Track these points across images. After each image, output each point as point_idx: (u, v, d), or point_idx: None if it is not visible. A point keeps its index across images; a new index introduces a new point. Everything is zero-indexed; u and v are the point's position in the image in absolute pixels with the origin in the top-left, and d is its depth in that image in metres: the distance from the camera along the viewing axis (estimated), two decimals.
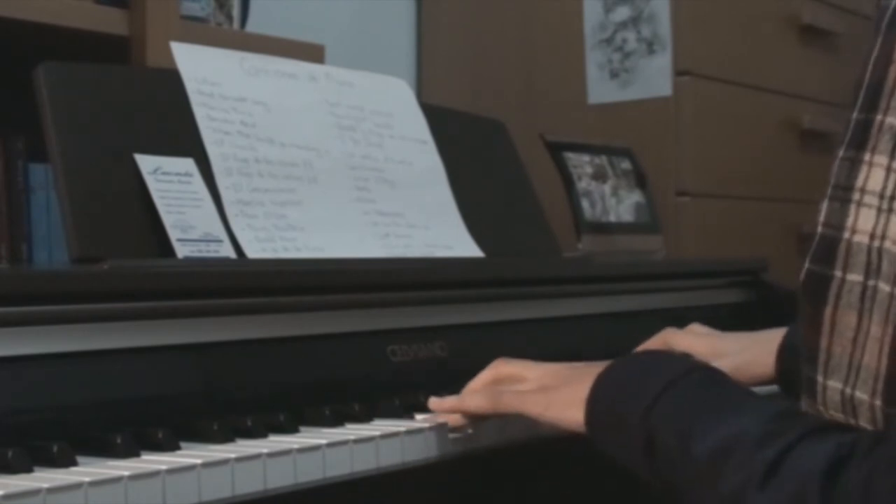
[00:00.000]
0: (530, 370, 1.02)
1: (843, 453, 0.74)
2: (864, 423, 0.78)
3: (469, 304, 1.25)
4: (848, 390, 0.79)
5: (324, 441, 0.90)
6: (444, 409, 1.01)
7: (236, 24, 1.87)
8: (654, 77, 2.24)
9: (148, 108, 1.21)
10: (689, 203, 2.23)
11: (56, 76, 1.14)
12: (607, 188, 1.91)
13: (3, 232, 1.53)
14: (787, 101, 2.42)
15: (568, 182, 1.85)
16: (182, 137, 1.21)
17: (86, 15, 1.56)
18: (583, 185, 1.87)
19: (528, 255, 1.54)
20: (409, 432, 0.96)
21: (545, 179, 1.81)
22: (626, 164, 1.98)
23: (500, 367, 1.04)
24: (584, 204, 1.86)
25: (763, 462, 0.76)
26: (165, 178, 1.16)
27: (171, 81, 1.24)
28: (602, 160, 1.93)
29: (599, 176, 1.91)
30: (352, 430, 0.95)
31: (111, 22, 1.59)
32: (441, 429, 0.99)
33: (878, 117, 0.79)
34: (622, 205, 1.93)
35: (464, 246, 1.42)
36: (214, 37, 1.70)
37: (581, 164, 1.89)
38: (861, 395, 0.78)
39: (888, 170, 0.77)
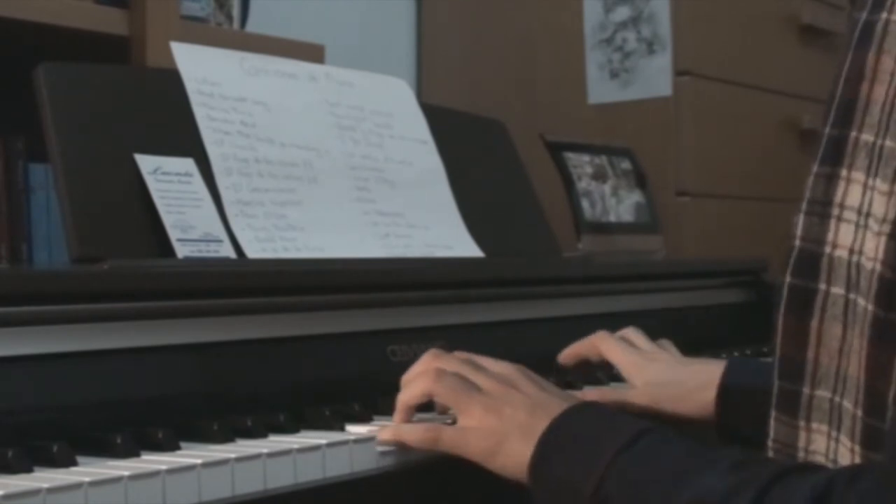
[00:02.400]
0: (471, 403, 0.94)
1: (819, 492, 0.73)
2: (845, 433, 0.78)
3: (469, 304, 1.25)
4: (836, 399, 0.79)
5: (324, 441, 0.90)
6: (383, 441, 0.94)
7: (236, 24, 1.87)
8: (654, 77, 2.24)
9: (148, 108, 1.21)
10: (689, 203, 2.23)
11: (56, 76, 1.14)
12: (607, 188, 1.91)
13: (3, 232, 1.52)
14: (787, 101, 2.42)
15: (568, 182, 1.85)
16: (182, 137, 1.21)
17: (86, 15, 1.56)
18: (583, 185, 1.87)
19: (528, 255, 1.54)
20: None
21: (545, 179, 1.81)
22: (626, 164, 1.98)
23: (440, 382, 0.97)
24: (584, 204, 1.86)
25: None
26: (165, 178, 1.16)
27: (171, 81, 1.24)
28: (602, 160, 1.93)
29: (599, 176, 1.91)
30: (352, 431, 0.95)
31: (111, 22, 1.59)
32: None
33: (853, 134, 0.79)
34: (622, 205, 1.93)
35: (464, 246, 1.42)
36: (214, 37, 1.70)
37: (581, 164, 1.89)
38: (846, 403, 0.78)
39: (865, 186, 0.77)
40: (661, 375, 1.16)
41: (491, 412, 0.93)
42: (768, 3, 2.41)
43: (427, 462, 0.97)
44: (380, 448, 0.94)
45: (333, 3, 2.40)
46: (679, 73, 2.23)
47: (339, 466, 0.90)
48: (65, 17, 1.54)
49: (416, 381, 0.98)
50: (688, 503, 0.78)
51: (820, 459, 0.81)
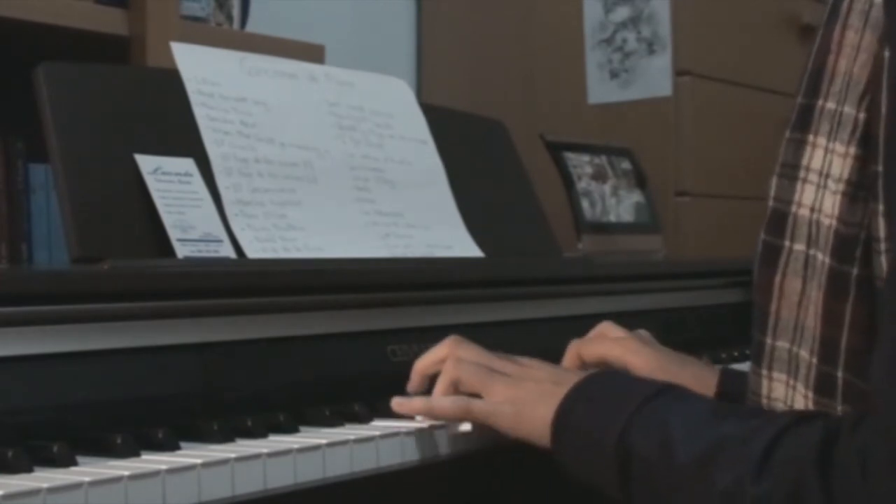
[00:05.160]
0: (495, 383, 0.99)
1: (830, 435, 0.78)
2: (801, 381, 0.85)
3: (469, 304, 1.25)
4: (794, 349, 0.85)
5: (324, 441, 0.90)
6: (413, 411, 1.00)
7: (236, 24, 1.87)
8: (654, 77, 2.25)
9: (148, 108, 1.21)
10: (689, 203, 2.23)
11: (56, 76, 1.14)
12: (607, 188, 1.91)
13: (3, 232, 1.53)
14: (787, 101, 2.41)
15: (568, 182, 1.85)
16: (182, 137, 1.21)
17: (86, 15, 1.57)
18: (583, 185, 1.87)
19: (528, 255, 1.54)
20: (409, 432, 0.96)
21: (545, 179, 1.81)
22: (626, 164, 1.98)
23: (461, 369, 1.01)
24: (584, 204, 1.86)
25: (753, 455, 0.80)
26: (165, 178, 1.16)
27: (171, 81, 1.24)
28: (602, 160, 1.93)
29: (599, 176, 1.91)
30: (352, 430, 0.95)
31: (111, 22, 1.59)
32: (441, 428, 0.99)
33: (819, 102, 0.86)
34: (622, 205, 1.93)
35: (464, 246, 1.42)
36: (214, 37, 1.70)
37: (581, 164, 1.89)
38: (803, 353, 0.84)
39: (826, 150, 0.84)
40: (659, 362, 1.15)
41: (515, 387, 0.98)
42: (768, 3, 2.41)
43: (427, 462, 0.97)
44: (399, 409, 0.99)
45: (333, 3, 2.40)
46: (679, 73, 2.23)
47: (339, 466, 0.90)
48: (65, 17, 1.54)
49: (442, 374, 1.02)
50: (708, 447, 0.83)
51: (779, 406, 0.87)
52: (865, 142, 0.81)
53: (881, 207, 0.79)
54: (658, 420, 0.87)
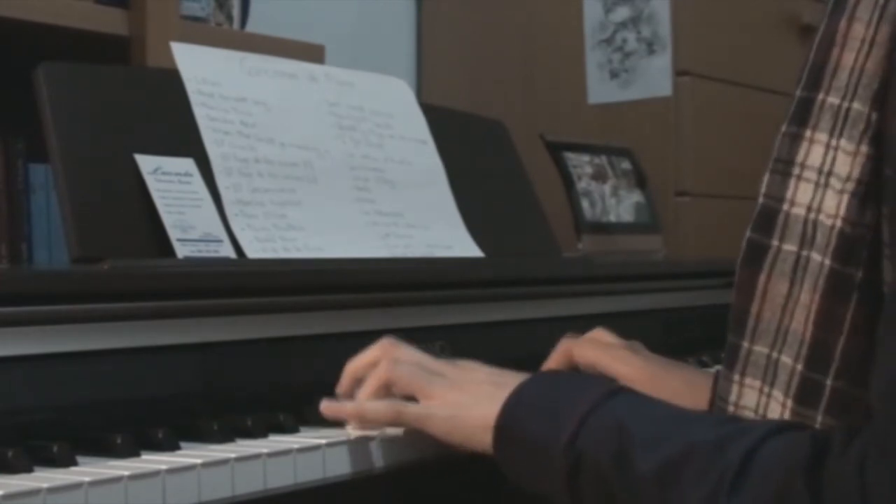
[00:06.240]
0: (432, 385, 0.94)
1: (819, 446, 0.73)
2: (779, 388, 0.80)
3: (469, 304, 1.25)
4: (774, 354, 0.81)
5: (324, 441, 0.90)
6: (342, 415, 0.94)
7: (236, 24, 1.87)
8: (654, 77, 2.24)
9: (148, 108, 1.21)
10: (689, 203, 2.23)
11: (56, 76, 1.14)
12: (607, 188, 1.91)
13: (3, 232, 1.53)
14: (787, 102, 2.42)
15: (568, 182, 1.85)
16: (182, 137, 1.21)
17: (86, 15, 1.57)
18: (583, 185, 1.87)
19: (528, 255, 1.54)
20: (409, 432, 0.96)
21: (545, 179, 1.81)
22: (626, 164, 1.98)
23: (396, 370, 0.96)
24: (584, 204, 1.86)
25: (727, 467, 0.74)
26: (165, 178, 1.16)
27: (171, 81, 1.24)
28: (602, 160, 1.93)
29: (599, 176, 1.91)
30: (352, 430, 0.95)
31: (111, 22, 1.59)
32: None
33: (820, 96, 0.82)
34: (622, 205, 1.93)
35: (464, 246, 1.42)
36: (214, 37, 1.70)
37: (581, 164, 1.89)
38: (785, 358, 0.80)
39: (827, 146, 0.80)
40: (648, 369, 1.10)
41: (453, 389, 0.93)
42: (768, 3, 2.41)
43: (427, 461, 0.97)
44: (327, 413, 0.93)
45: (333, 3, 2.40)
46: (679, 73, 2.23)
47: (339, 466, 0.90)
48: (65, 17, 1.54)
49: (373, 374, 0.97)
50: (673, 454, 0.77)
51: (749, 414, 0.82)
52: (878, 140, 0.77)
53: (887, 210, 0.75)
54: (613, 424, 0.81)
